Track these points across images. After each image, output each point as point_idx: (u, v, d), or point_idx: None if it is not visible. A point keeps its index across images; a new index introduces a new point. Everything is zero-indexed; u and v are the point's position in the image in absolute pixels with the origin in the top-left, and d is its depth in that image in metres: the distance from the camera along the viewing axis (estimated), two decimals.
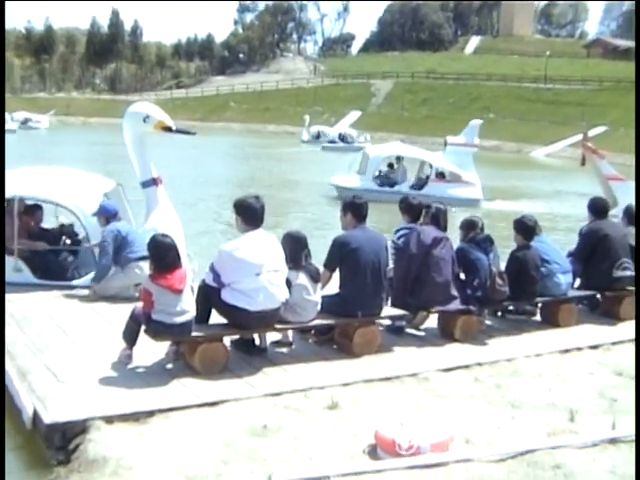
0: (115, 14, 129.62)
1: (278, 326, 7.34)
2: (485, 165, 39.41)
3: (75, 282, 10.12)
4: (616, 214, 11.89)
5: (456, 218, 10.16)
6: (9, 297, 8.89)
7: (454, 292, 8.28)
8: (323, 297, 7.60)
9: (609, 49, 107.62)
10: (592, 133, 49.65)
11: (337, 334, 7.83)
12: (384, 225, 10.68)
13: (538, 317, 9.35)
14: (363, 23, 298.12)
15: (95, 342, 7.71)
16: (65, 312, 8.90)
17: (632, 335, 8.63)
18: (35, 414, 5.90)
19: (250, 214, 7.11)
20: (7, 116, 61.42)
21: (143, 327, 6.85)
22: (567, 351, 8.13)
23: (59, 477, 5.29)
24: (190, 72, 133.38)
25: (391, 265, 8.35)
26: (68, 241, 11.17)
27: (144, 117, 8.84)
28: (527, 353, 7.94)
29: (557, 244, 9.79)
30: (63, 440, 5.65)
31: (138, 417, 5.87)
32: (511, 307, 9.21)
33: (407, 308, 8.17)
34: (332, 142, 58.35)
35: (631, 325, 9.05)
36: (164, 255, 6.86)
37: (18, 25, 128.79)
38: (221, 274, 6.93)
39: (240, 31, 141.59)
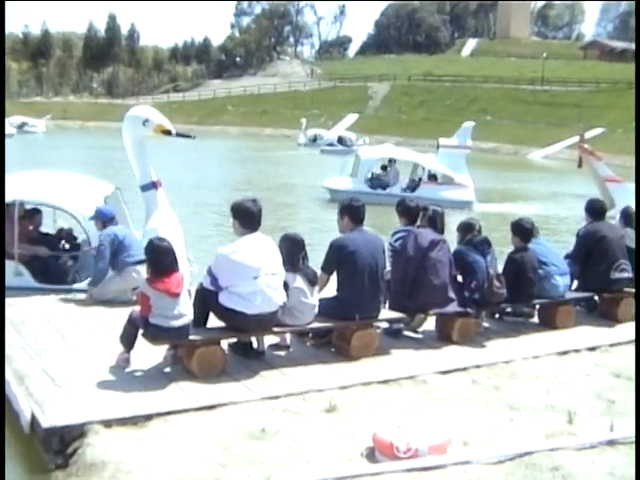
0: (112, 18, 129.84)
1: (276, 329, 7.34)
2: (482, 167, 39.53)
3: (76, 286, 10.12)
4: (613, 216, 11.90)
5: (452, 222, 10.13)
6: (7, 301, 8.88)
7: (451, 294, 8.28)
8: (321, 300, 7.60)
9: (606, 51, 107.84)
10: (589, 135, 49.79)
11: (335, 337, 7.82)
12: (376, 227, 10.66)
13: (536, 319, 9.34)
14: (360, 26, 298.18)
15: (93, 346, 7.70)
16: (63, 316, 8.89)
17: (630, 337, 8.64)
18: (33, 418, 5.90)
19: (247, 217, 7.10)
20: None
21: (141, 331, 6.85)
22: (565, 353, 8.13)
23: None
24: (187, 76, 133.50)
25: (388, 268, 8.35)
26: (67, 245, 11.19)
27: (143, 121, 8.82)
28: (525, 355, 7.95)
29: (554, 246, 9.80)
30: (61, 444, 5.64)
31: (136, 421, 5.87)
32: (509, 309, 9.21)
33: (405, 311, 8.17)
34: (331, 145, 58.28)
35: (629, 327, 9.06)
36: (161, 259, 6.86)
37: (15, 29, 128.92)
38: (218, 277, 6.93)
39: (237, 34, 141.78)
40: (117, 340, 7.10)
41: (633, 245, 9.85)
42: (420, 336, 8.55)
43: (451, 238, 8.84)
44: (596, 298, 9.78)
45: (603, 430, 5.83)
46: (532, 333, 8.87)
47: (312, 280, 7.44)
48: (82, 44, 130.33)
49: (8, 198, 9.88)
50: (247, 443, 5.54)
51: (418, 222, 8.64)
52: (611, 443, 5.62)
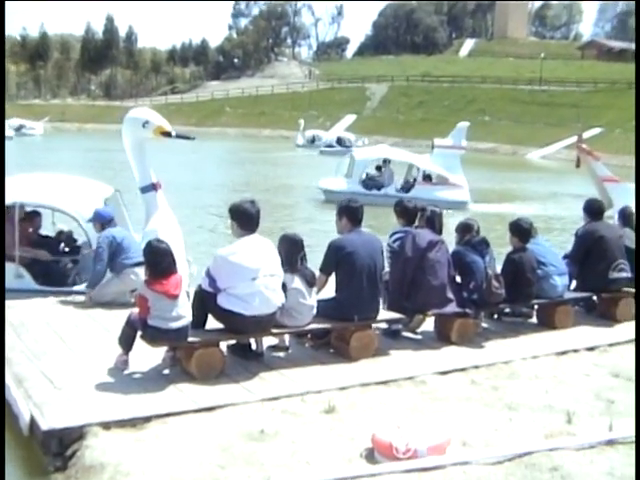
0: (110, 20, 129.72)
1: (274, 330, 7.34)
2: (481, 167, 39.57)
3: (77, 288, 10.12)
4: (611, 215, 11.90)
5: (448, 222, 10.13)
6: (6, 304, 8.87)
7: (450, 295, 8.28)
8: (319, 301, 7.60)
9: (603, 51, 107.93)
10: (587, 135, 49.76)
11: (334, 338, 7.82)
12: (371, 228, 10.64)
13: (534, 319, 9.35)
14: (357, 27, 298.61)
15: (92, 348, 7.70)
16: (62, 318, 8.89)
17: (629, 336, 8.65)
18: (32, 421, 5.90)
19: (246, 219, 7.10)
20: None
21: (139, 333, 6.85)
22: (564, 353, 8.13)
23: None
24: (185, 77, 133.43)
25: (387, 268, 8.35)
26: (67, 248, 11.18)
27: (143, 122, 8.83)
28: (524, 355, 7.95)
29: (553, 246, 9.80)
30: (60, 446, 5.63)
31: (135, 423, 5.87)
32: (507, 309, 9.21)
33: (403, 311, 8.18)
34: (330, 146, 58.14)
35: (628, 326, 9.08)
36: (159, 261, 6.86)
37: (13, 32, 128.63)
38: (217, 279, 6.93)
39: (234, 36, 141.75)
40: (116, 342, 7.09)
41: (631, 245, 9.87)
42: (419, 337, 8.55)
43: (449, 239, 8.84)
44: (595, 298, 9.78)
45: (602, 430, 5.83)
46: (531, 333, 8.88)
47: (310, 281, 7.44)
48: (80, 46, 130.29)
49: (8, 200, 9.88)
50: (246, 444, 5.54)
51: (416, 223, 8.65)
52: (610, 443, 5.62)
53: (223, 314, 6.97)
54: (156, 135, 8.92)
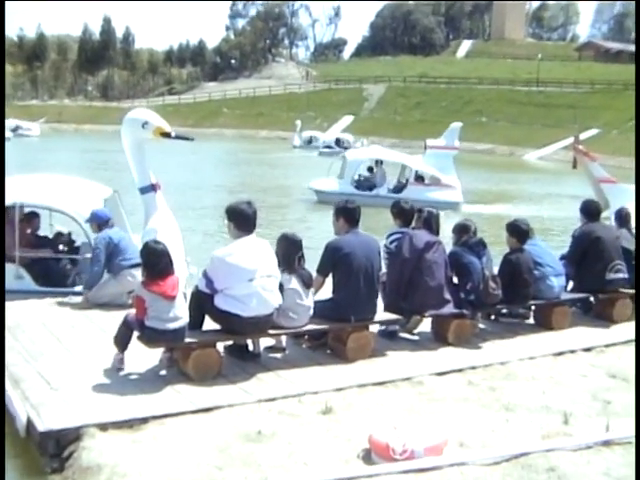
0: (107, 21, 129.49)
1: (271, 331, 7.34)
2: (478, 168, 39.58)
3: (77, 288, 10.11)
4: (608, 216, 11.93)
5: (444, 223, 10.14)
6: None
7: (447, 296, 8.28)
8: (316, 302, 7.60)
9: (600, 52, 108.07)
10: (584, 136, 49.90)
11: (331, 339, 7.82)
12: (365, 229, 10.61)
13: (531, 320, 9.36)
14: (355, 28, 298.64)
15: (88, 349, 7.69)
16: (58, 319, 8.89)
17: (625, 337, 8.67)
18: (29, 422, 5.89)
19: (242, 220, 7.10)
20: None
21: (136, 334, 6.85)
22: (560, 354, 8.14)
23: None
24: (182, 78, 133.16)
25: (384, 269, 8.36)
26: (65, 249, 11.17)
27: (143, 123, 8.83)
28: (521, 356, 7.96)
29: (550, 247, 9.81)
30: (57, 448, 5.63)
31: (132, 424, 5.87)
32: (504, 310, 9.22)
33: (400, 312, 8.18)
34: (328, 147, 58.11)
35: (624, 327, 9.09)
36: (157, 262, 6.85)
37: (10, 32, 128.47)
38: (214, 280, 6.93)
39: (232, 37, 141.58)
40: (112, 342, 7.09)
41: (628, 246, 9.87)
42: (416, 337, 8.55)
43: (446, 240, 8.84)
44: (591, 299, 9.79)
45: (599, 431, 5.84)
46: (528, 334, 8.88)
47: (307, 282, 7.44)
48: (77, 47, 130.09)
49: (8, 201, 9.88)
50: (243, 445, 5.55)
51: (413, 224, 8.65)
52: (607, 444, 5.63)
53: (220, 315, 6.97)
54: (155, 136, 8.92)
